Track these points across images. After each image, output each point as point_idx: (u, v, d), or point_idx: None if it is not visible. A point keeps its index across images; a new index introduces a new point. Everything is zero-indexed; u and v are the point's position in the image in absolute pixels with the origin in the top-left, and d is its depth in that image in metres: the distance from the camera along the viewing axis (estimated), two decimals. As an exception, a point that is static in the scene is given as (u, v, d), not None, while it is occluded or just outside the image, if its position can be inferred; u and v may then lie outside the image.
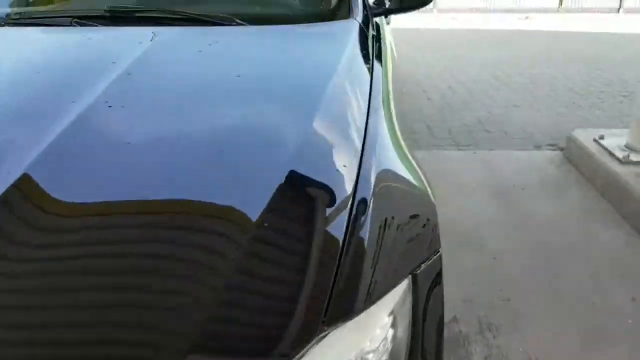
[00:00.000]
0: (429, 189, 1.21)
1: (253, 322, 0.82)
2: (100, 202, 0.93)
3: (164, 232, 0.88)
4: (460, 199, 2.90)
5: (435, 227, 1.12)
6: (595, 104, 4.78)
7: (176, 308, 0.79)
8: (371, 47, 1.71)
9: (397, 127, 1.38)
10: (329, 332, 0.83)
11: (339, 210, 0.97)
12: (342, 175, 1.04)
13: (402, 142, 1.34)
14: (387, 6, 2.01)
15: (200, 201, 0.94)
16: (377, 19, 2.09)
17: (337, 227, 0.94)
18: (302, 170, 1.02)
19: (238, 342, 0.81)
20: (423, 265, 1.01)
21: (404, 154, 1.29)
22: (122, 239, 0.89)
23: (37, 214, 0.90)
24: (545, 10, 13.76)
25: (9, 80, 1.34)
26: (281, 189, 0.96)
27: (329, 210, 0.97)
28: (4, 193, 0.90)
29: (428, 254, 1.04)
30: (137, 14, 1.72)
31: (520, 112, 4.47)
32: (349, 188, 1.01)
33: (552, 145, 3.71)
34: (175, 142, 1.07)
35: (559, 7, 14.36)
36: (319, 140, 1.12)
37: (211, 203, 0.94)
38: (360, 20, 1.80)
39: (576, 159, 3.35)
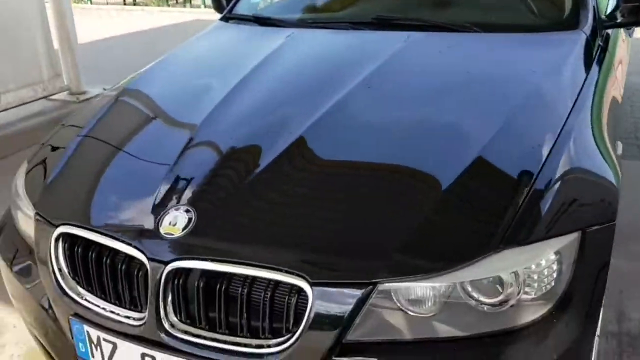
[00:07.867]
0: (615, 176, 1.46)
1: (448, 228, 1.24)
2: (343, 160, 1.50)
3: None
4: None
5: (613, 203, 1.40)
6: None
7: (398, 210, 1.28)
8: (594, 57, 1.95)
9: (604, 128, 1.67)
10: (505, 249, 1.20)
11: (530, 164, 1.35)
12: (536, 150, 1.39)
13: (606, 140, 1.62)
14: (618, 20, 2.12)
15: (409, 165, 1.45)
16: (612, 31, 2.26)
17: (527, 175, 1.32)
18: (501, 143, 1.43)
19: (433, 240, 1.22)
20: (595, 227, 1.28)
21: (603, 147, 1.57)
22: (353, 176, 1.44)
23: (304, 161, 1.48)
24: None
25: (290, 68, 1.95)
26: (483, 149, 1.39)
27: (523, 164, 1.36)
28: (290, 145, 1.49)
29: (602, 221, 1.32)
30: (395, 22, 2.21)
31: None
32: (543, 154, 1.37)
33: None
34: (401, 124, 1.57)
35: None
36: (517, 127, 1.51)
37: (419, 163, 1.43)
38: (587, 32, 2.01)
39: None
